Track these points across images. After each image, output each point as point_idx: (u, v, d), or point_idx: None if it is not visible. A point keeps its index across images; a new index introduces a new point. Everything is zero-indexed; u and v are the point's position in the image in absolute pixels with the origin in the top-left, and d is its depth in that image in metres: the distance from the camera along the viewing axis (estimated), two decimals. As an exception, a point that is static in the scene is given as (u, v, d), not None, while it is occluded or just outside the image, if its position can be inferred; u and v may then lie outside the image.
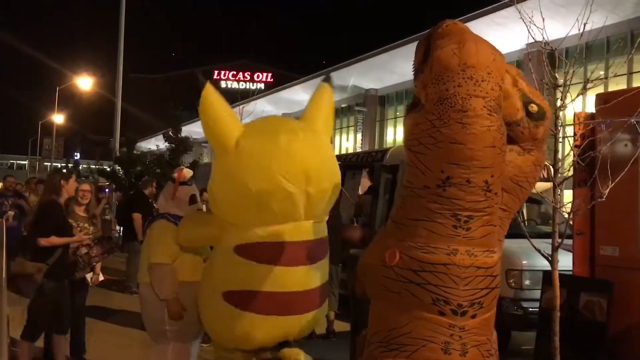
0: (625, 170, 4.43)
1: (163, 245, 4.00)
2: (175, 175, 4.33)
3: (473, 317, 2.81)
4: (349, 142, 34.48)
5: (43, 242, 5.01)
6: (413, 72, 2.97)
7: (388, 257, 2.89)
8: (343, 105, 34.66)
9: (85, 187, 5.71)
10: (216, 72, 71.57)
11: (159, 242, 4.03)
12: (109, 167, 23.00)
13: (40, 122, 46.44)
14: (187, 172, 4.41)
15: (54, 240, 5.05)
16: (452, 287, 2.77)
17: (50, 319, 5.14)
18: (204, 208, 7.72)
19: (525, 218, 8.61)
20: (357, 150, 29.49)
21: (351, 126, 33.89)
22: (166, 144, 19.20)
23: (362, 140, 33.25)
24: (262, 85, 61.51)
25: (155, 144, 30.60)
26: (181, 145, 18.69)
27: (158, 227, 4.15)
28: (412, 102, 3.03)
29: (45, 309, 5.05)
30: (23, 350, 5.08)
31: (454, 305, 2.78)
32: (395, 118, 31.58)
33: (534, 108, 3.09)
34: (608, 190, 3.96)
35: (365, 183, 8.67)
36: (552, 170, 4.12)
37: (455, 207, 2.77)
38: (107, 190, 18.68)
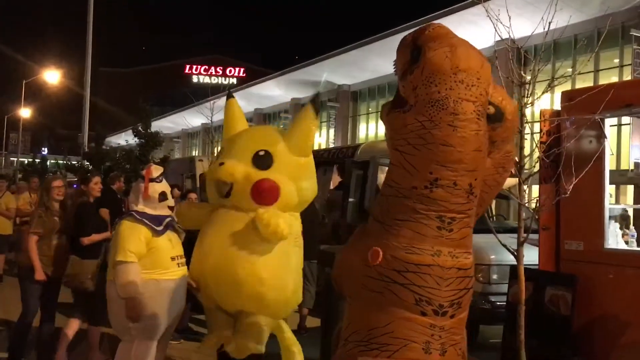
0: (590, 166, 4.52)
1: (128, 244, 4.02)
2: (144, 172, 4.35)
3: (452, 317, 2.87)
4: (322, 138, 34.53)
5: (86, 241, 5.46)
6: (398, 72, 2.96)
7: (371, 256, 2.90)
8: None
9: (59, 183, 5.67)
10: (187, 66, 70.86)
11: (125, 241, 4.04)
12: (78, 162, 22.63)
13: (6, 117, 45.47)
14: (156, 169, 4.42)
15: (95, 237, 5.51)
16: (434, 288, 2.81)
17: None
18: (173, 204, 7.68)
19: (493, 213, 8.74)
20: (330, 146, 29.55)
21: (324, 122, 33.95)
22: (136, 139, 18.98)
23: (334, 135, 33.32)
24: (234, 80, 61.14)
25: (125, 139, 30.26)
26: (151, 141, 18.49)
27: (125, 225, 4.16)
28: (394, 101, 3.00)
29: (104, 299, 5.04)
30: (95, 334, 5.56)
31: (435, 305, 2.82)
32: (368, 114, 31.71)
33: (490, 110, 3.11)
34: (572, 186, 4.04)
35: (336, 179, 8.68)
36: (517, 166, 4.18)
37: (440, 209, 2.81)
38: (76, 185, 18.39)
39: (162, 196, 4.29)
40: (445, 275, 2.82)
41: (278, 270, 4.45)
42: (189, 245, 4.66)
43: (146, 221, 4.18)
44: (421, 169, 2.81)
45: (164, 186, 4.36)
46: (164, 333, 4.28)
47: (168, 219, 4.36)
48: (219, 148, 5.05)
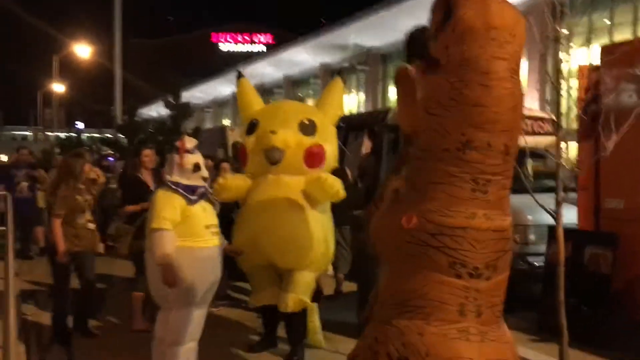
0: (629, 122, 4.39)
1: (164, 211, 4.12)
2: (179, 144, 4.43)
3: (487, 279, 2.84)
4: (352, 103, 34.26)
5: (128, 209, 5.97)
6: (431, 32, 2.90)
7: (405, 220, 2.88)
8: (345, 65, 34.33)
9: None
10: (214, 35, 70.72)
11: (160, 209, 4.14)
12: (112, 135, 22.98)
13: (39, 92, 46.19)
14: (190, 141, 4.49)
15: (131, 208, 5.94)
16: (469, 251, 2.79)
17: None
18: (207, 175, 7.75)
19: (530, 173, 8.59)
20: (361, 111, 29.34)
21: (354, 86, 33.60)
22: (167, 110, 19.10)
23: (365, 100, 33.00)
24: (262, 47, 60.86)
25: (156, 110, 30.52)
26: (182, 112, 18.57)
27: (159, 194, 4.27)
28: (427, 62, 2.92)
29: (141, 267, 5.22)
30: (136, 300, 5.90)
31: (470, 268, 2.80)
32: (398, 76, 31.22)
33: None
34: (613, 143, 3.93)
35: (367, 144, 8.61)
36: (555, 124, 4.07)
37: (474, 171, 2.77)
38: (111, 159, 18.69)
39: (196, 167, 4.35)
40: (479, 238, 2.79)
41: (323, 228, 5.03)
42: (223, 218, 4.83)
43: (180, 190, 4.25)
44: (453, 130, 2.76)
45: (197, 157, 4.42)
46: (202, 300, 4.37)
47: (202, 189, 4.42)
48: (249, 122, 5.15)
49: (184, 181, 4.28)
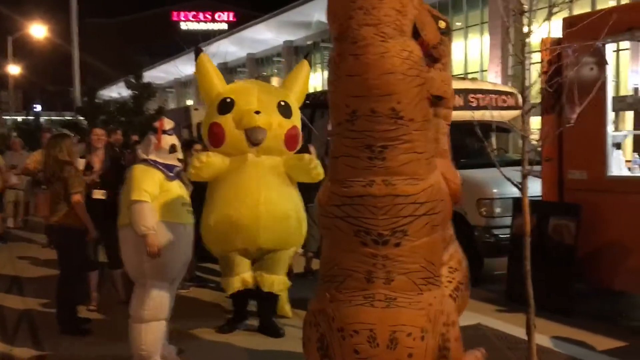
0: (592, 94, 4.45)
1: (144, 184, 4.17)
2: (157, 124, 4.47)
3: (397, 245, 2.83)
4: (317, 80, 34.10)
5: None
6: None
7: (321, 195, 3.01)
8: (308, 43, 34.05)
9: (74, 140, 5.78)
10: (175, 13, 69.18)
11: (140, 182, 4.18)
12: (72, 117, 22.45)
13: (-6, 75, 44.67)
14: (168, 122, 4.53)
15: None
16: (370, 218, 2.81)
17: None
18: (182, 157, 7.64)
19: (495, 147, 8.70)
20: (326, 89, 29.24)
21: (318, 63, 33.40)
22: (129, 91, 18.72)
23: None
24: (224, 25, 59.89)
25: (117, 91, 29.89)
26: (144, 92, 18.24)
27: (139, 169, 4.29)
28: None
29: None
30: (116, 277, 6.06)
31: (374, 235, 2.82)
32: (362, 53, 31.16)
33: (442, 24, 3.16)
34: (576, 115, 3.98)
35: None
36: (520, 98, 4.10)
37: (366, 139, 2.78)
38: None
39: (173, 148, 4.42)
40: (379, 204, 2.79)
41: (298, 206, 5.15)
42: (194, 199, 4.76)
43: (159, 166, 4.32)
44: (340, 103, 2.82)
45: (174, 139, 4.49)
46: (176, 277, 4.39)
47: (178, 168, 4.49)
48: (220, 100, 5.05)
49: (161, 160, 4.34)
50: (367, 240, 2.83)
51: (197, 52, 5.29)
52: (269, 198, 4.88)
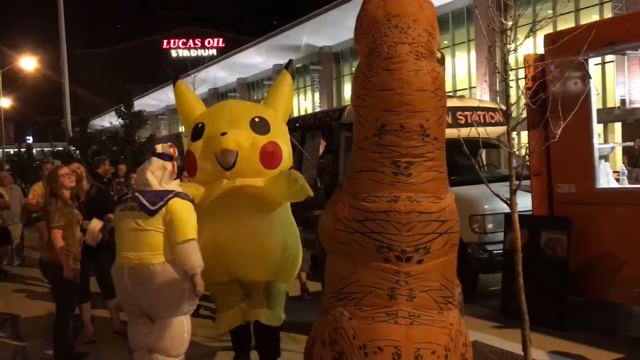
0: (576, 108, 4.51)
1: (193, 221, 4.08)
2: (172, 151, 4.34)
3: (419, 262, 2.84)
4: (307, 102, 34.29)
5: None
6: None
7: (339, 210, 2.97)
8: (298, 65, 34.32)
9: (66, 170, 5.37)
10: (165, 41, 69.67)
11: (189, 219, 4.07)
12: (64, 148, 22.42)
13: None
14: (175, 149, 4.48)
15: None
16: (394, 234, 2.81)
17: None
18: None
19: (484, 163, 8.76)
20: (316, 110, 29.40)
21: (308, 86, 33.65)
22: (119, 120, 18.76)
23: (320, 99, 33.09)
24: (214, 51, 60.28)
25: (109, 120, 29.92)
26: (135, 120, 18.27)
27: (181, 204, 4.11)
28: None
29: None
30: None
31: (397, 251, 2.81)
32: (352, 74, 31.43)
33: (439, 55, 3.27)
34: (560, 129, 4.03)
35: (324, 143, 8.64)
36: (505, 115, 4.15)
37: (393, 155, 2.81)
38: None
39: (179, 171, 4.49)
40: (404, 221, 2.80)
41: (286, 232, 4.65)
42: None
43: (191, 198, 4.24)
44: (369, 117, 2.84)
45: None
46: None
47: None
48: (193, 127, 4.69)
49: (177, 190, 4.22)
50: (390, 256, 2.82)
51: (175, 80, 5.01)
52: (247, 226, 4.43)
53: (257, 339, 4.76)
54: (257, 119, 4.51)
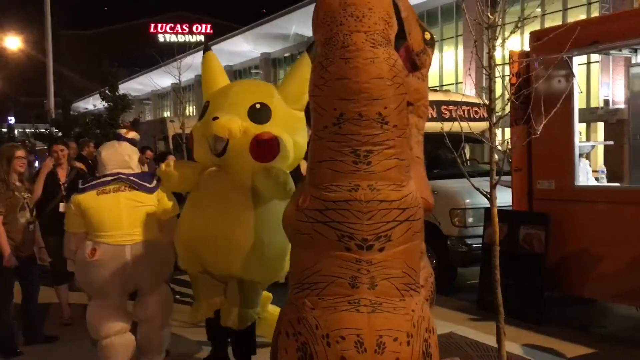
0: (559, 105, 4.56)
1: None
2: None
3: (381, 250, 2.84)
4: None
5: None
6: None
7: (301, 201, 2.97)
8: (286, 55, 34.16)
9: (22, 153, 5.26)
10: (152, 25, 68.92)
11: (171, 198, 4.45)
12: (46, 130, 22.17)
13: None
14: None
15: None
16: (355, 223, 2.81)
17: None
18: (146, 167, 7.58)
19: (467, 158, 8.83)
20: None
21: (295, 75, 33.47)
22: (104, 103, 18.58)
23: (307, 89, 33.02)
24: (201, 37, 59.81)
25: (93, 103, 29.60)
26: (120, 104, 18.11)
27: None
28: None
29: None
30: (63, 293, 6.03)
31: (358, 240, 2.82)
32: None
33: (428, 35, 3.29)
34: (542, 126, 4.07)
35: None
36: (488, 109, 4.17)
37: (352, 143, 2.81)
38: (36, 156, 18.01)
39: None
40: (364, 209, 2.80)
41: (276, 233, 3.92)
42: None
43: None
44: (327, 107, 2.84)
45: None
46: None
47: None
48: (203, 105, 4.43)
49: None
50: (351, 245, 2.82)
51: (205, 50, 4.71)
52: (222, 218, 4.10)
53: (231, 335, 4.48)
54: (258, 105, 4.15)
